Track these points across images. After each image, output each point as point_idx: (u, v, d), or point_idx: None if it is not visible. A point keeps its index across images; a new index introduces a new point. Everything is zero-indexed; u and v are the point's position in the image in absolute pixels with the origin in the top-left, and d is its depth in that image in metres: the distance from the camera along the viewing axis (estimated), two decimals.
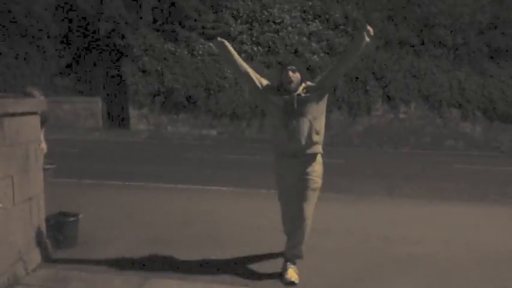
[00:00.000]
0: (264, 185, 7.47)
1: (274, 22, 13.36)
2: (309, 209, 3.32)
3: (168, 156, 10.60)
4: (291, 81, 3.24)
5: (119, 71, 14.05)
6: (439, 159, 11.11)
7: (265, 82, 3.45)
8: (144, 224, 4.77)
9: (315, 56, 13.10)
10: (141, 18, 13.73)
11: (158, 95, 13.80)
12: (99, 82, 14.59)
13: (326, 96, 3.37)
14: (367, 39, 3.05)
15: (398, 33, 13.18)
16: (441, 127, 13.33)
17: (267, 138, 13.53)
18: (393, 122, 13.43)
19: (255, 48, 13.36)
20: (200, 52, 13.47)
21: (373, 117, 13.47)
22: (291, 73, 3.26)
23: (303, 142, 3.24)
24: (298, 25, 13.35)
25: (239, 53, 13.22)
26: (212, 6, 13.59)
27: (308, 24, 13.42)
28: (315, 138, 3.27)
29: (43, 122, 3.84)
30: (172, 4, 13.55)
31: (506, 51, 12.58)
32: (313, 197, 3.32)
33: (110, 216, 5.00)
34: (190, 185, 7.34)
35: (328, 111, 12.88)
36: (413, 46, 13.13)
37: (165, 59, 13.62)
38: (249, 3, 13.47)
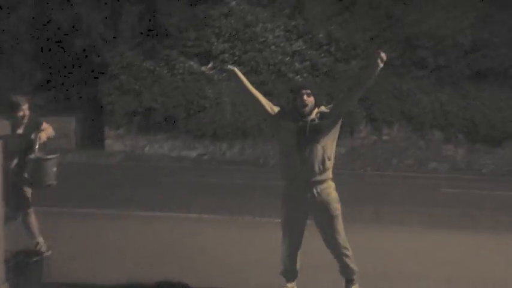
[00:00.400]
0: (247, 212, 7.07)
1: (257, 41, 13.14)
2: (341, 236, 3.36)
3: (144, 179, 10.08)
4: (305, 105, 3.19)
5: (95, 89, 13.54)
6: (424, 183, 10.89)
7: (276, 109, 3.39)
8: (116, 262, 4.30)
9: (298, 76, 12.89)
10: (119, 35, 13.33)
11: (136, 115, 13.32)
12: (74, 101, 14.03)
13: (340, 123, 3.32)
14: (381, 65, 3.01)
15: None
16: (424, 149, 13.20)
17: (249, 160, 13.19)
18: (376, 143, 13.25)
19: (237, 68, 13.06)
20: (180, 71, 13.12)
21: (356, 139, 13.27)
22: (305, 97, 3.20)
23: (316, 168, 3.22)
24: (282, 44, 13.16)
25: (220, 72, 13.00)
26: (194, 24, 13.30)
27: (291, 44, 13.25)
28: (327, 164, 3.25)
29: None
30: (152, 21, 13.21)
31: (488, 73, 12.62)
32: (339, 223, 3.34)
33: (78, 252, 4.51)
34: (168, 212, 6.89)
35: None
36: (396, 67, 13.06)
37: (143, 77, 13.20)
38: (232, 21, 13.23)
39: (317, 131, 3.20)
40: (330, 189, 3.32)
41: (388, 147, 13.07)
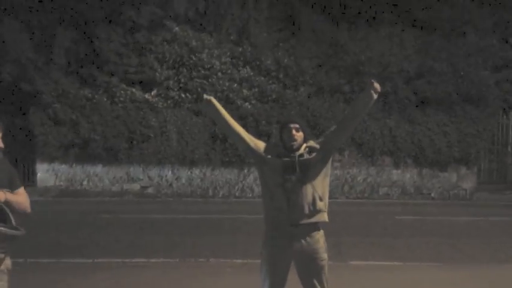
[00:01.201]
0: (200, 253, 6.41)
1: (203, 67, 12.62)
2: None
3: (81, 218, 9.07)
4: (293, 140, 2.94)
5: (25, 120, 12.34)
6: (378, 210, 10.72)
7: (260, 144, 3.09)
8: None
9: (247, 103, 12.48)
10: (52, 61, 12.31)
11: (72, 146, 12.23)
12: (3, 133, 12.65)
13: (331, 159, 3.08)
14: (375, 96, 2.83)
15: (329, 80, 13.04)
16: (374, 175, 13.15)
17: (197, 192, 12.48)
18: None
19: (183, 95, 12.45)
20: (122, 99, 12.26)
21: None
22: (294, 131, 2.95)
23: (306, 210, 2.90)
24: (229, 71, 12.73)
25: (165, 100, 12.30)
26: (135, 49, 12.56)
27: (239, 70, 12.86)
28: (319, 205, 2.94)
29: None
30: (89, 46, 12.34)
31: (432, 99, 12.87)
32: (324, 274, 3.02)
33: None
34: (110, 258, 6.07)
35: None
36: (344, 93, 13.03)
37: (81, 106, 12.20)
38: (176, 47, 12.64)
39: (306, 168, 2.90)
40: (318, 236, 3.00)
41: (339, 174, 12.88)
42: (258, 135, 12.60)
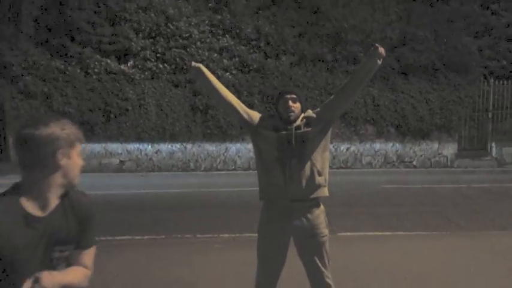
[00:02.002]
0: (186, 229, 6.21)
1: (181, 37, 12.11)
2: (326, 266, 2.82)
3: None
4: (290, 112, 2.73)
5: None
6: (362, 179, 10.68)
7: (255, 115, 2.86)
8: None
9: (228, 74, 12.11)
10: (21, 31, 11.61)
11: None
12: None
13: (330, 130, 2.83)
14: (379, 62, 2.63)
15: (311, 49, 12.73)
16: (357, 144, 13.08)
17: (178, 165, 12.19)
18: None
19: (161, 66, 11.97)
20: (96, 70, 11.71)
21: None
22: (291, 102, 2.75)
23: (304, 185, 2.70)
24: (208, 40, 12.26)
25: (142, 71, 11.80)
26: (109, 18, 11.93)
27: (218, 40, 12.40)
28: (318, 179, 2.73)
29: None
30: (60, 15, 11.66)
31: (415, 67, 12.74)
32: (325, 251, 2.82)
33: None
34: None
35: (244, 132, 11.88)
36: (326, 62, 12.77)
37: (53, 78, 11.61)
38: (152, 15, 12.06)
39: (303, 141, 2.68)
40: (318, 211, 2.81)
41: None
42: None
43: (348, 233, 6.05)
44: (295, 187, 2.69)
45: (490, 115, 13.85)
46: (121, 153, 12.17)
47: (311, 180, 2.71)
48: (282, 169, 2.69)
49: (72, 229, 1.64)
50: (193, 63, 2.79)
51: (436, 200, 8.22)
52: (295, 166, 2.68)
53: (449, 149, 13.37)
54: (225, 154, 12.56)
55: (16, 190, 1.58)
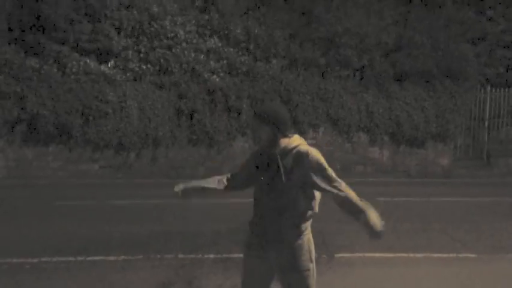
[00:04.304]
0: (167, 248, 5.55)
1: (165, 36, 11.42)
2: None
3: (31, 205, 7.95)
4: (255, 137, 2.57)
5: None
6: (356, 191, 10.06)
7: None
8: None
9: (215, 76, 11.45)
10: None
11: (19, 122, 10.90)
12: None
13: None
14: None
15: (303, 52, 12.15)
16: (350, 152, 12.53)
17: (160, 172, 11.48)
18: None
19: (144, 67, 11.26)
20: (74, 70, 10.95)
21: None
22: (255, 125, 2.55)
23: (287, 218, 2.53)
24: (194, 41, 11.59)
25: (124, 72, 11.03)
26: (88, 14, 11.17)
27: (205, 41, 11.74)
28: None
29: None
30: (35, 10, 10.86)
31: (411, 73, 12.24)
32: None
33: None
34: (59, 257, 5.12)
35: (231, 138, 11.24)
36: (319, 67, 12.20)
37: (27, 78, 10.81)
38: (135, 12, 11.35)
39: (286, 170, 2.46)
40: (301, 240, 2.55)
41: None
42: (227, 112, 11.72)
43: (346, 254, 5.47)
44: (274, 218, 2.53)
45: (486, 124, 13.44)
46: (100, 160, 11.40)
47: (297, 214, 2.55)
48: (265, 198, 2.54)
49: None
50: (175, 189, 2.72)
51: (437, 215, 7.69)
52: (278, 195, 2.50)
53: (445, 159, 12.91)
54: (212, 161, 11.88)
55: None
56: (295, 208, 2.49)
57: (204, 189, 2.75)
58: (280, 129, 2.46)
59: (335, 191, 2.50)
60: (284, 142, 2.48)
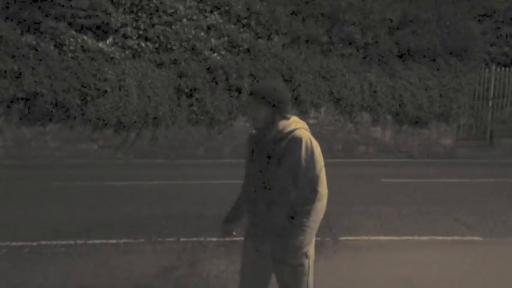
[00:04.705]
0: (169, 231, 5.46)
1: (165, 12, 11.12)
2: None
3: (29, 187, 7.85)
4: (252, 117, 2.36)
5: None
6: (359, 172, 10.00)
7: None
8: None
9: (215, 54, 11.20)
10: None
11: (15, 101, 10.72)
12: None
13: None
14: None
15: (305, 29, 11.86)
16: (352, 132, 12.38)
17: (161, 152, 11.36)
18: None
19: (143, 44, 11.00)
20: (71, 47, 10.70)
21: None
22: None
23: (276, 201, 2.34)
24: (195, 17, 11.29)
25: (122, 49, 10.79)
26: None
27: (206, 17, 11.44)
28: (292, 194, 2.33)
29: None
30: None
31: (415, 51, 11.98)
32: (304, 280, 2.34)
33: None
34: (59, 240, 5.03)
35: (232, 118, 11.07)
36: (321, 44, 11.93)
37: (23, 55, 10.57)
38: None
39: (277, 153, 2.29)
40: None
41: (315, 131, 11.99)
42: (228, 90, 11.51)
43: (350, 237, 5.38)
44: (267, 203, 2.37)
45: (490, 103, 13.26)
46: (99, 139, 11.26)
47: (286, 196, 2.34)
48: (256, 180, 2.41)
49: None
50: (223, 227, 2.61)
51: (441, 197, 7.59)
52: (269, 177, 2.34)
53: (448, 139, 12.77)
54: (212, 141, 11.73)
55: None
56: (287, 198, 2.28)
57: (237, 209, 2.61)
58: (279, 110, 2.26)
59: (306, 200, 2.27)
60: (282, 124, 2.28)
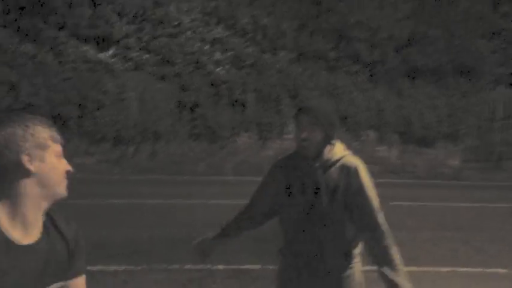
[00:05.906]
0: (172, 257, 5.06)
1: (169, 24, 10.92)
2: None
3: None
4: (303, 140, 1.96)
5: None
6: None
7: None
8: None
9: (220, 69, 10.96)
10: None
11: (11, 112, 10.37)
12: None
13: None
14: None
15: (312, 45, 11.67)
16: (358, 151, 12.03)
17: (159, 167, 10.99)
18: None
19: (145, 56, 10.77)
20: (71, 58, 10.47)
21: (285, 140, 11.72)
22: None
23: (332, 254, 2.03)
24: (199, 30, 11.10)
25: (124, 61, 10.52)
26: None
27: (211, 30, 11.26)
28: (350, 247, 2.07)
29: None
30: None
31: (423, 70, 11.78)
32: None
33: None
34: None
35: (235, 133, 10.72)
36: (328, 60, 11.74)
37: (21, 65, 10.29)
38: None
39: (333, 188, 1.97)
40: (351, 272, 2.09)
41: None
42: (232, 106, 11.26)
43: (368, 267, 5.00)
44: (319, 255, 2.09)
45: (498, 124, 13.04)
46: (96, 154, 10.91)
47: (343, 248, 2.10)
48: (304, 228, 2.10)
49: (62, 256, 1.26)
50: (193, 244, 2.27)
51: (456, 222, 7.26)
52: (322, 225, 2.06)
53: (455, 160, 12.51)
54: (214, 157, 11.42)
55: None
56: (343, 235, 2.04)
57: (233, 234, 2.31)
58: (330, 135, 1.98)
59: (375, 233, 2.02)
60: (327, 151, 2.00)
